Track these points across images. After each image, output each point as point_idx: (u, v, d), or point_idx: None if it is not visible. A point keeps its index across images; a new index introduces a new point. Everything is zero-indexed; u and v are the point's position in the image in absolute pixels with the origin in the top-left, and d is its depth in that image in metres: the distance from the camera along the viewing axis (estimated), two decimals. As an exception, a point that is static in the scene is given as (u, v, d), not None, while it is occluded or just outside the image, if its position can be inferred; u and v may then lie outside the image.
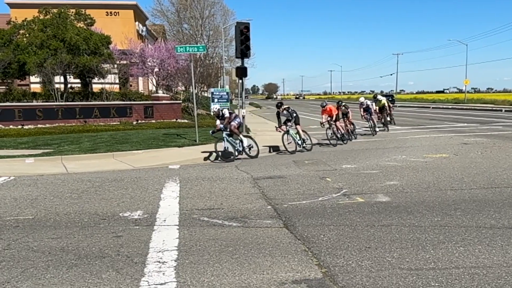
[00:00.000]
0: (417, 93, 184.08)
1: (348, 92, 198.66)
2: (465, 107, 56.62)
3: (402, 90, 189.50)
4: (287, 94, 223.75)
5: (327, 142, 19.72)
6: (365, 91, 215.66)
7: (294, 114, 17.61)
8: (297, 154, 16.70)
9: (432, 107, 61.15)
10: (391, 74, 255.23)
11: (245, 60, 24.12)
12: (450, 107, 59.40)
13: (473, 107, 55.27)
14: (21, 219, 8.11)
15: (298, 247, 6.37)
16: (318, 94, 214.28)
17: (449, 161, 14.20)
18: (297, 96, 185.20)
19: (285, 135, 17.53)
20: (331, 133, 19.87)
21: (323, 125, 19.95)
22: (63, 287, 5.04)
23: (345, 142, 20.15)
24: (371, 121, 24.24)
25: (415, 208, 8.36)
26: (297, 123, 17.57)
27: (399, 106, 63.96)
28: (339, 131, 20.19)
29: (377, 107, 25.57)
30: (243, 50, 22.76)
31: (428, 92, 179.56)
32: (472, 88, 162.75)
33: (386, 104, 26.36)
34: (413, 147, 18.07)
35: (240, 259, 5.93)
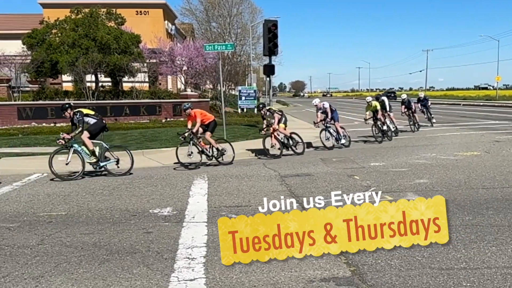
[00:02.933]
0: (447, 90, 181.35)
1: (376, 89, 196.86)
2: (496, 104, 55.59)
3: (432, 87, 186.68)
4: (314, 92, 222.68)
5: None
6: (393, 88, 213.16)
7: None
8: (325, 152, 16.58)
9: (463, 104, 60.13)
10: (421, 71, 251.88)
11: (273, 57, 24.15)
12: (481, 104, 58.37)
13: (505, 104, 54.19)
14: (54, 214, 8.26)
15: (327, 245, 6.34)
16: (346, 91, 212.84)
17: (480, 159, 13.96)
18: (324, 94, 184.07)
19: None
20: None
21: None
22: (95, 282, 5.12)
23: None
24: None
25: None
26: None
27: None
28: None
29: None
30: (271, 48, 22.76)
31: (458, 89, 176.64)
32: (504, 85, 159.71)
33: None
34: (443, 144, 17.82)
35: (270, 256, 5.93)
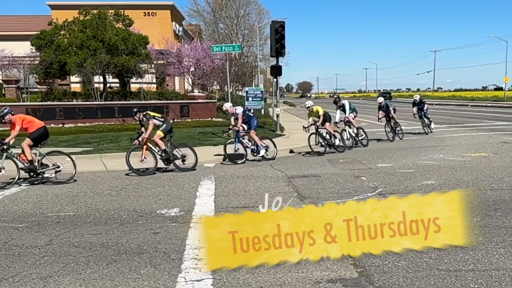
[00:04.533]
0: (455, 90, 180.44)
1: (384, 89, 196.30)
2: (505, 105, 55.24)
3: (440, 88, 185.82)
4: (321, 93, 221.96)
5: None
6: (401, 89, 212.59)
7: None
8: (332, 153, 16.54)
9: (471, 105, 59.85)
10: (428, 72, 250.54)
11: (280, 58, 24.13)
12: (489, 105, 58.06)
13: (513, 105, 53.88)
14: (62, 215, 8.30)
15: (334, 246, 6.33)
16: (353, 92, 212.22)
17: (488, 160, 13.90)
18: (331, 95, 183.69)
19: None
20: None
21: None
22: (103, 282, 5.14)
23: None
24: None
25: (453, 208, 8.20)
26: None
27: (436, 104, 62.83)
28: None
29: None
30: (278, 49, 22.77)
31: (466, 90, 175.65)
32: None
33: (322, 113, 16.85)
34: (451, 145, 17.75)
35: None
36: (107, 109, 27.41)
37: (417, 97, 23.94)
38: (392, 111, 20.73)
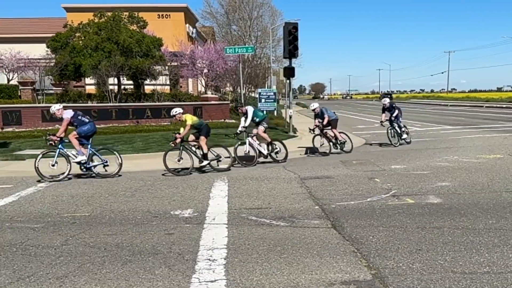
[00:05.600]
0: (469, 91, 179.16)
1: (397, 91, 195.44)
2: (520, 107, 54.66)
3: (454, 89, 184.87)
4: (334, 94, 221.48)
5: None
6: (414, 90, 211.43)
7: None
8: (345, 155, 16.48)
9: (486, 106, 59.29)
10: (442, 73, 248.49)
11: (293, 60, 24.13)
12: (504, 106, 57.46)
13: (528, 106, 53.27)
14: (78, 215, 8.36)
15: (347, 248, 6.32)
16: (366, 94, 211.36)
17: (503, 161, 13.77)
18: (344, 96, 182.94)
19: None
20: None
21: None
22: (118, 282, 5.17)
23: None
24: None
25: (468, 210, 8.14)
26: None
27: (450, 105, 62.37)
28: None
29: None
30: (291, 50, 22.76)
31: (481, 91, 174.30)
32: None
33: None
34: (466, 147, 17.61)
35: (289, 258, 5.94)
36: (122, 111, 27.56)
37: (386, 100, 19.96)
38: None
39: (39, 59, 33.23)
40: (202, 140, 13.43)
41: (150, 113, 28.38)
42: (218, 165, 13.67)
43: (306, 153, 17.18)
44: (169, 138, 20.43)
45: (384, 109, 19.41)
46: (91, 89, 37.80)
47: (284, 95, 38.92)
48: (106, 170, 12.79)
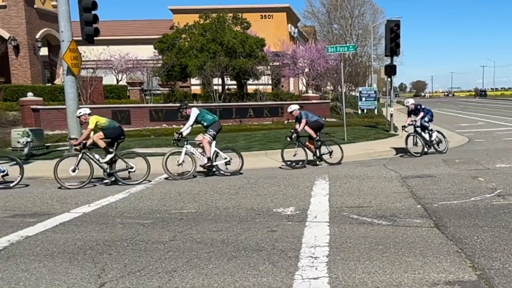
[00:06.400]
0: None
1: (502, 88, 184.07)
2: None
3: None
4: (435, 92, 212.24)
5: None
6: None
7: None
8: (448, 153, 15.79)
9: None
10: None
11: (394, 58, 23.62)
12: None
13: None
14: (185, 212, 8.71)
15: (450, 248, 6.14)
16: (469, 91, 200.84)
17: None
18: (446, 94, 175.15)
19: (410, 137, 15.99)
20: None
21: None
22: (224, 277, 5.34)
23: None
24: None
25: None
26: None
27: None
28: None
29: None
30: (393, 48, 22.30)
31: None
32: None
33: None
34: None
35: (391, 257, 5.87)
36: (225, 110, 28.24)
37: (409, 102, 16.80)
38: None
39: (146, 60, 34.86)
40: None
41: (252, 112, 28.84)
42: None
43: (397, 153, 16.44)
44: (271, 137, 20.77)
45: (409, 112, 16.44)
46: (196, 89, 39.05)
47: (385, 93, 38.13)
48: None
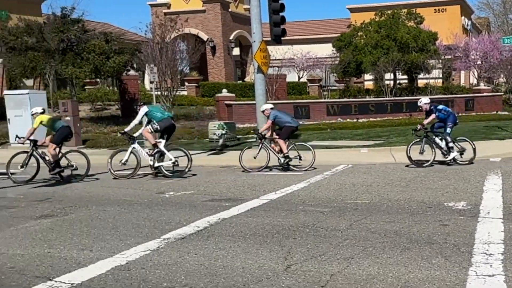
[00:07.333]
0: None
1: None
2: None
3: None
4: None
5: None
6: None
7: None
8: None
9: None
10: None
11: None
12: None
13: None
14: (359, 202, 8.77)
15: None
16: None
17: None
18: None
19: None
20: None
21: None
22: (398, 268, 5.31)
23: None
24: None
25: None
26: None
27: None
28: None
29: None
30: None
31: None
32: None
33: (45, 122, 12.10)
34: None
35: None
36: (396, 105, 27.51)
37: (422, 101, 13.18)
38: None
39: (325, 58, 35.32)
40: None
41: (421, 106, 27.73)
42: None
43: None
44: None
45: (426, 113, 13.09)
46: (369, 84, 38.57)
47: None
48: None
